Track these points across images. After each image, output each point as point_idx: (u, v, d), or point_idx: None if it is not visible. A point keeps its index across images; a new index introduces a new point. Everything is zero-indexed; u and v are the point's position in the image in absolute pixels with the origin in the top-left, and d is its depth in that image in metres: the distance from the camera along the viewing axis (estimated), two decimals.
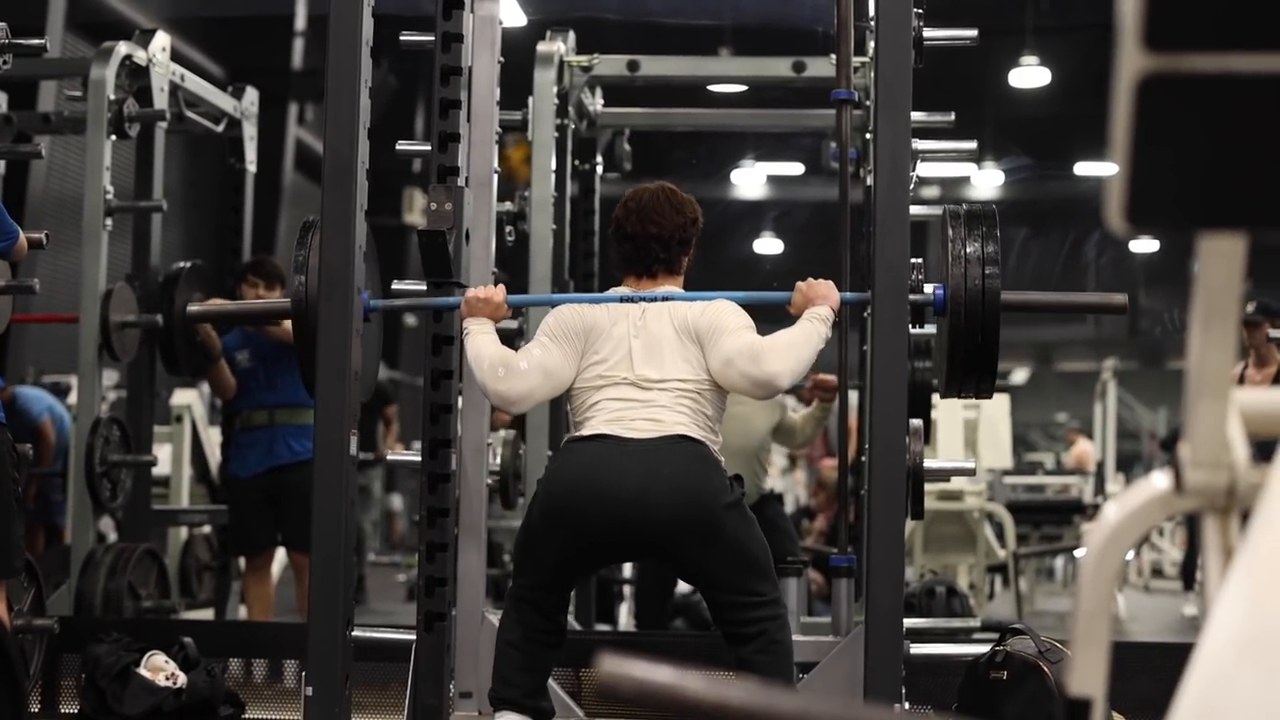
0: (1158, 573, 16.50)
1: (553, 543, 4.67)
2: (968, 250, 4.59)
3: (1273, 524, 1.39)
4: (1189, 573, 13.00)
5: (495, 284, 5.15)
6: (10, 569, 5.37)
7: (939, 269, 4.86)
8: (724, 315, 4.76)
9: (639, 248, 4.92)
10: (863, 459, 6.53)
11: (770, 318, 4.94)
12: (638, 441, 4.62)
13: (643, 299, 4.83)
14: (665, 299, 4.82)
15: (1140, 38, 1.28)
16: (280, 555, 8.48)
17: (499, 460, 6.41)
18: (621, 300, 4.85)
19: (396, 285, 5.79)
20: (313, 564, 4.62)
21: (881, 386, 4.58)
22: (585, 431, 4.72)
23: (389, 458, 6.27)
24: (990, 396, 4.84)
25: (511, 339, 5.93)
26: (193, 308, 5.40)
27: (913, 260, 4.82)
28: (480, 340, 4.82)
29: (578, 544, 4.69)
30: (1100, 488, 16.15)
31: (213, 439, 9.31)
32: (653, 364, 4.72)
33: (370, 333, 4.98)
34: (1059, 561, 16.48)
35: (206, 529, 8.94)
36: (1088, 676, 1.67)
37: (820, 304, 4.75)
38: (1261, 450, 1.68)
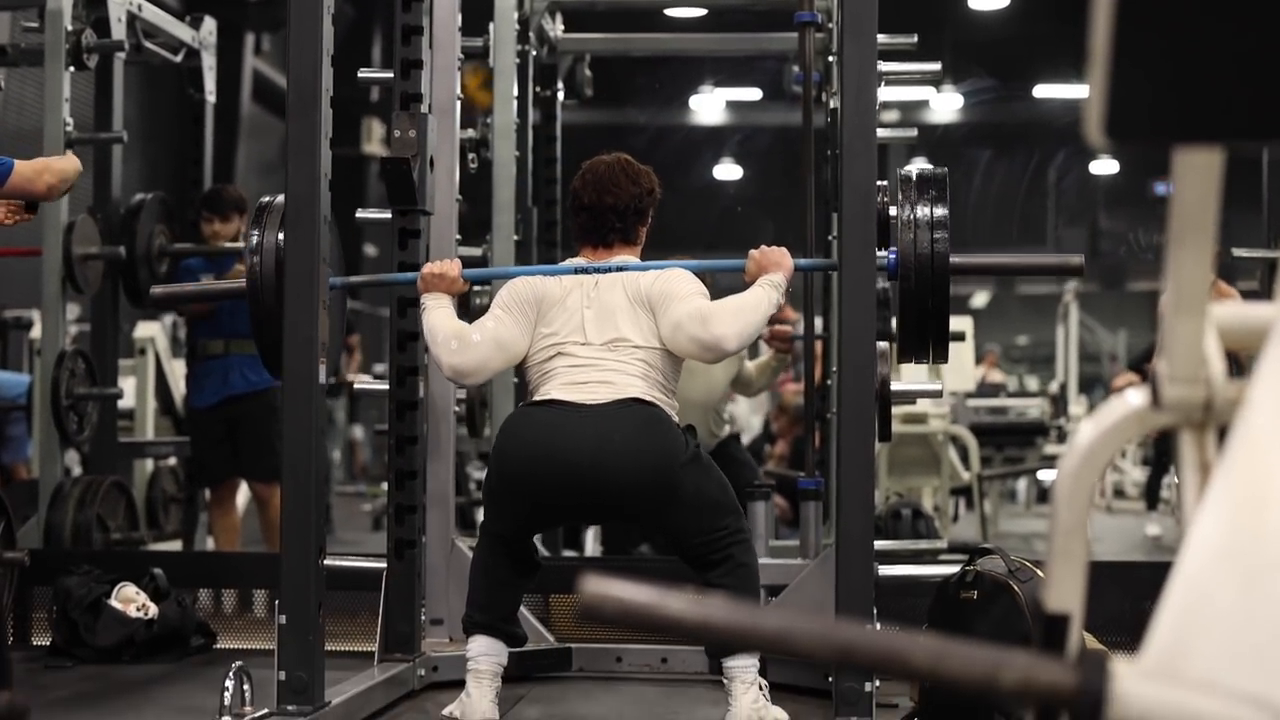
0: (1120, 493, 16.61)
1: (513, 506, 4.72)
2: (918, 214, 4.59)
3: (1251, 438, 1.40)
4: (1153, 493, 13.08)
5: (459, 210, 5.14)
6: None
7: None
8: (675, 282, 4.78)
9: (595, 218, 4.93)
10: (829, 383, 6.56)
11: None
12: (590, 407, 4.64)
13: (597, 270, 4.84)
14: (619, 269, 4.83)
15: None
16: (245, 486, 8.48)
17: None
18: (576, 272, 4.86)
19: (360, 214, 5.77)
20: (284, 493, 4.62)
21: (850, 308, 4.58)
22: (538, 396, 4.75)
23: (356, 386, 6.25)
24: (945, 360, 4.87)
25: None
26: (155, 290, 5.36)
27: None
28: (435, 315, 4.84)
29: (536, 508, 4.74)
30: (1063, 410, 16.22)
31: (176, 371, 9.27)
32: (605, 330, 4.75)
33: (333, 310, 4.95)
34: (1022, 483, 16.58)
35: (172, 461, 8.92)
36: (1065, 592, 1.68)
37: (774, 271, 4.77)
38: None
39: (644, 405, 4.66)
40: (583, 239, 4.99)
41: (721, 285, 6.04)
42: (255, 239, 4.84)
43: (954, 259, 4.59)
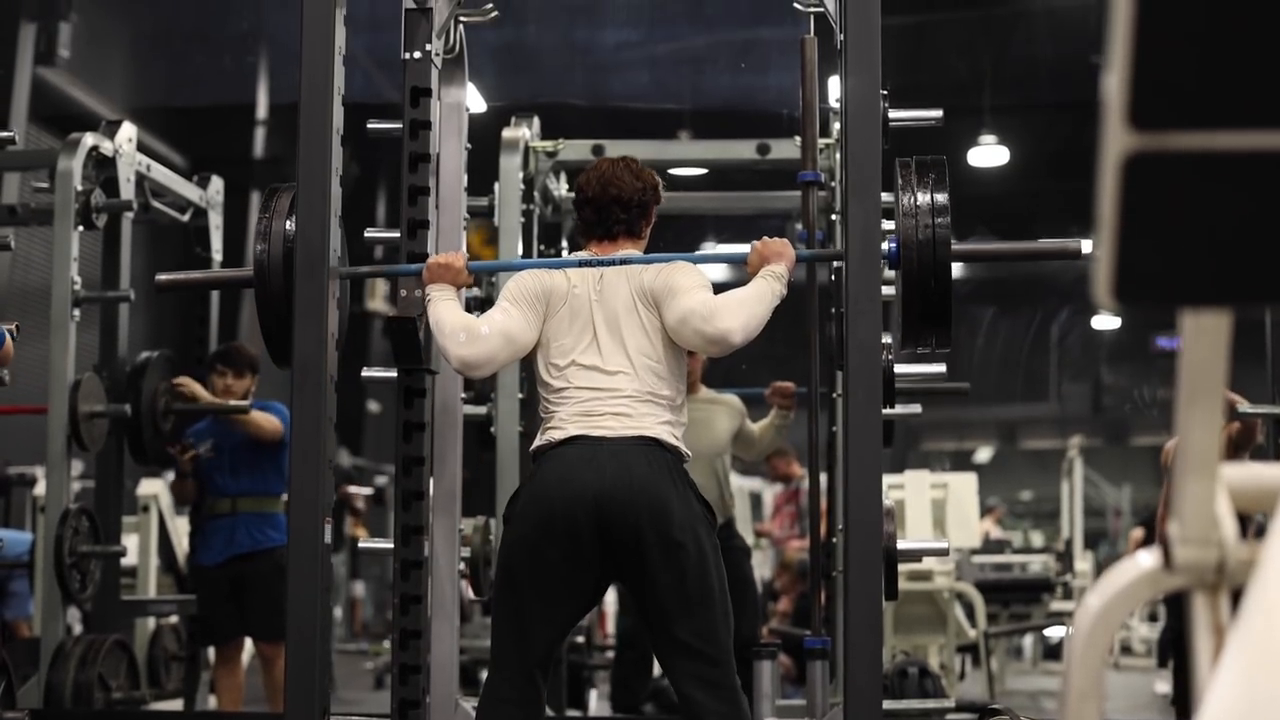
0: (1127, 649, 16.49)
1: (535, 547, 4.59)
2: (918, 200, 4.64)
3: (1265, 601, 1.39)
4: (1163, 649, 12.98)
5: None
6: None
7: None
8: (679, 275, 4.81)
9: (599, 211, 4.98)
10: (834, 540, 6.54)
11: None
12: (609, 441, 4.63)
13: (601, 263, 4.86)
14: (623, 262, 4.86)
15: (1125, 117, 1.29)
16: (249, 644, 8.42)
17: (469, 547, 6.38)
18: (580, 264, 4.89)
19: (366, 373, 5.78)
20: (288, 650, 4.59)
21: (856, 465, 4.58)
22: (557, 434, 4.71)
23: (361, 544, 6.23)
24: (948, 348, 4.89)
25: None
26: (161, 277, 5.36)
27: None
28: (442, 306, 4.85)
29: (560, 542, 4.58)
30: (1069, 565, 16.15)
31: (180, 529, 9.26)
32: (613, 336, 4.75)
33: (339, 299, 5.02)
34: (1028, 640, 16.47)
35: (174, 619, 8.88)
36: None
37: (776, 262, 4.81)
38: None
39: (661, 449, 4.66)
40: (588, 233, 5.04)
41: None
42: (263, 224, 4.88)
43: (955, 245, 4.64)
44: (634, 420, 4.67)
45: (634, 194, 4.98)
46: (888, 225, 5.11)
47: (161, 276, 5.38)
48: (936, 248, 4.62)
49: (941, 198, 4.65)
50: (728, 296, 4.75)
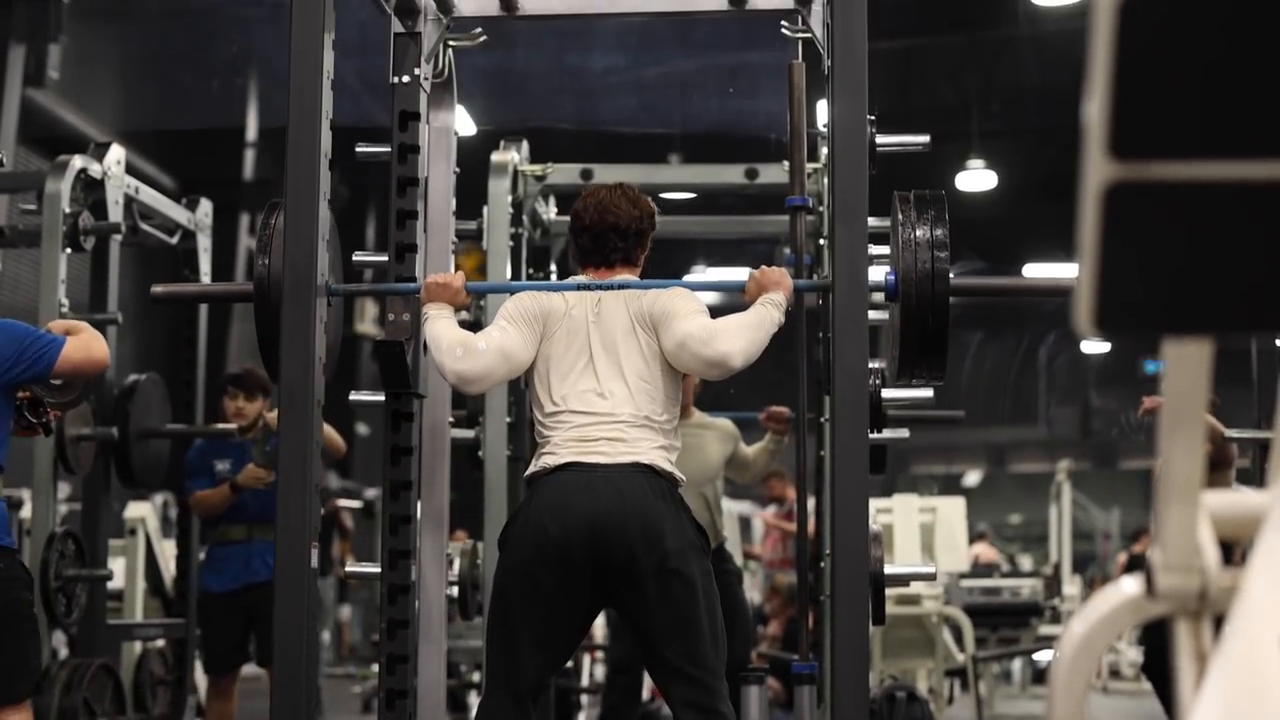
0: (1115, 673, 16.49)
1: (530, 574, 4.59)
2: (917, 234, 4.65)
3: (1247, 629, 1.40)
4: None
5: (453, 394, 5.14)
6: (21, 691, 5.06)
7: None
8: (677, 300, 4.82)
9: (596, 238, 4.98)
10: (821, 564, 6.53)
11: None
12: (604, 467, 4.63)
13: (599, 286, 4.87)
14: (621, 286, 4.87)
15: (1107, 146, 1.29)
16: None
17: (457, 571, 6.37)
18: (579, 287, 4.89)
19: (354, 396, 5.79)
20: (274, 674, 4.58)
21: (843, 490, 4.58)
22: (552, 460, 4.70)
23: (348, 569, 6.21)
24: (942, 380, 4.90)
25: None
26: (157, 289, 5.35)
27: None
28: (439, 324, 4.85)
29: (554, 568, 4.59)
30: (1057, 589, 16.15)
31: (166, 552, 9.23)
32: (610, 359, 4.75)
33: (331, 318, 5.01)
34: (1017, 664, 16.46)
35: (160, 643, 8.85)
36: None
37: (774, 290, 4.82)
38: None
39: (655, 476, 4.66)
40: (584, 260, 5.04)
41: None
42: (264, 238, 4.88)
43: (954, 280, 4.65)
44: (628, 445, 4.68)
45: (631, 222, 4.99)
46: (882, 251, 5.12)
47: (158, 288, 5.38)
48: (935, 281, 4.62)
49: (941, 232, 4.66)
50: (727, 321, 4.76)
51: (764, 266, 4.95)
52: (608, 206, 4.98)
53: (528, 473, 4.83)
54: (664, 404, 4.78)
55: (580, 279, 4.99)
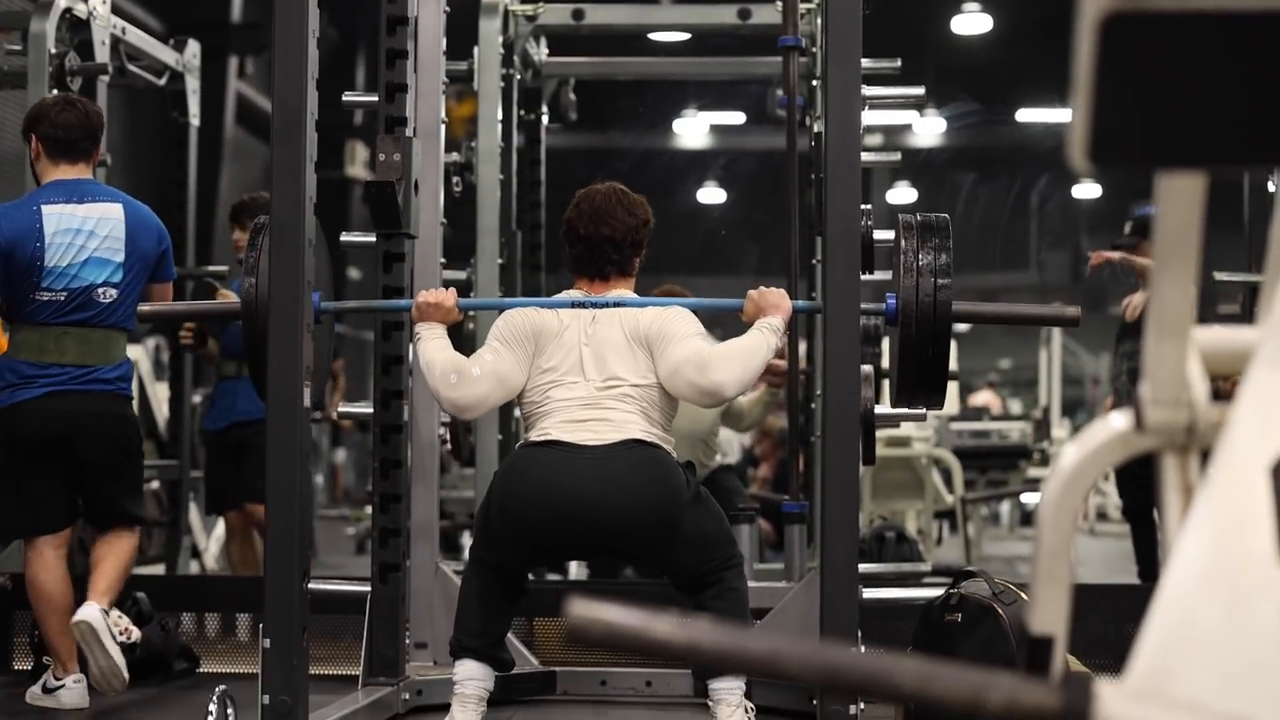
0: (1102, 516, 16.63)
1: (512, 544, 4.72)
2: (920, 261, 4.58)
3: (1233, 462, 1.41)
4: None
5: (444, 233, 5.13)
6: (140, 514, 6.04)
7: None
8: (673, 322, 4.79)
9: (591, 249, 4.92)
10: (812, 406, 6.57)
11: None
12: (591, 448, 4.64)
13: (594, 304, 4.83)
14: (617, 304, 4.83)
15: None
16: None
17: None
18: (573, 305, 4.85)
19: (345, 238, 5.77)
20: (268, 517, 4.60)
21: (834, 333, 4.58)
22: (537, 436, 4.73)
23: (340, 409, 6.24)
24: (941, 408, 4.88)
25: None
26: (143, 308, 5.34)
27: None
28: (432, 346, 4.81)
29: (537, 548, 4.78)
30: (1046, 433, 16.25)
31: (160, 395, 9.25)
32: (602, 369, 4.75)
33: (321, 335, 4.95)
34: (1005, 506, 16.60)
35: (155, 485, 8.89)
36: (1049, 615, 1.68)
37: (772, 313, 4.78)
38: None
39: (645, 446, 4.68)
40: (578, 270, 4.98)
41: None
42: (250, 260, 4.82)
43: (956, 306, 4.59)
44: (617, 427, 4.70)
45: (627, 232, 4.92)
46: (884, 277, 5.04)
47: (144, 307, 5.34)
48: (937, 308, 4.54)
49: (944, 260, 4.57)
50: (723, 347, 4.74)
51: (762, 287, 4.87)
52: (603, 216, 4.90)
53: (517, 446, 4.89)
54: (659, 413, 4.79)
55: (574, 295, 4.93)
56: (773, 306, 4.79)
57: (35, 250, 5.63)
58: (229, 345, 7.68)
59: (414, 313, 4.91)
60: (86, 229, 5.70)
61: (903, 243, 4.60)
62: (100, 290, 5.70)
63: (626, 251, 4.94)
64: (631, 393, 4.72)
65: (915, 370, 4.61)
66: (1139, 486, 7.57)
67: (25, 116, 6.00)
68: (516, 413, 6.24)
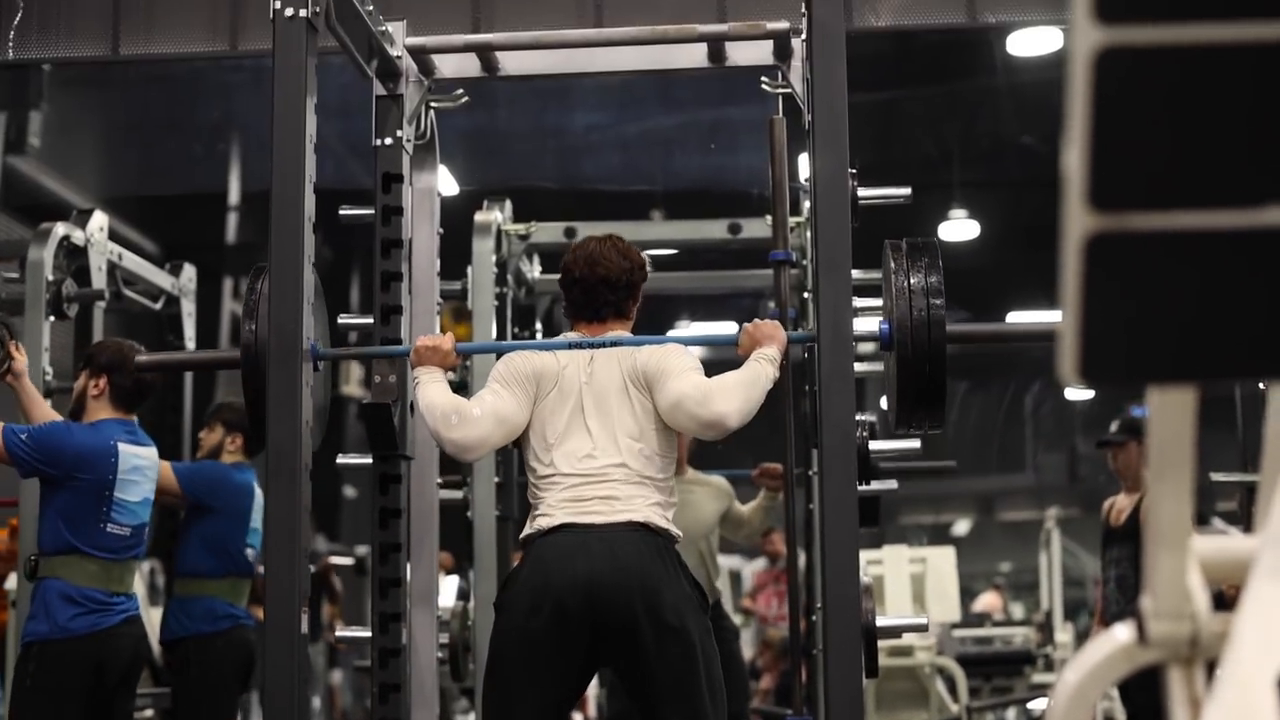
0: None
1: (528, 640, 4.52)
2: (911, 282, 4.62)
3: (1239, 675, 1.40)
4: None
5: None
6: None
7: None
8: (671, 358, 4.77)
9: (587, 291, 4.94)
10: (813, 618, 6.52)
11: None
12: (598, 528, 4.58)
13: (591, 344, 4.83)
14: (614, 343, 4.83)
15: (1086, 198, 1.30)
16: None
17: (448, 633, 6.36)
18: (570, 346, 4.85)
19: (341, 459, 5.78)
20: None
21: (833, 543, 4.57)
22: (546, 521, 4.65)
23: (338, 634, 6.19)
24: (941, 428, 4.88)
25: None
26: (141, 358, 5.38)
27: None
28: (431, 389, 4.81)
29: (551, 630, 4.52)
30: (1049, 637, 16.11)
31: (154, 620, 9.18)
32: (602, 419, 4.71)
33: (318, 381, 4.99)
34: (1011, 713, 16.40)
35: (149, 714, 8.78)
36: None
37: (767, 345, 4.79)
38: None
39: (650, 533, 4.61)
40: (575, 314, 4.99)
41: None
42: (250, 304, 4.85)
43: (950, 327, 4.64)
44: (623, 504, 4.63)
45: (622, 274, 4.95)
46: (872, 304, 5.11)
47: (142, 357, 5.39)
48: (931, 328, 4.61)
49: (935, 279, 4.65)
50: (722, 379, 4.72)
51: (756, 320, 4.92)
52: (597, 259, 4.94)
53: (523, 535, 4.80)
54: (659, 463, 4.74)
55: (571, 336, 4.95)
56: (767, 338, 4.81)
57: (108, 480, 6.05)
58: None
59: (413, 356, 4.93)
60: (145, 471, 6.23)
61: (892, 265, 4.64)
62: (145, 529, 6.29)
63: (622, 293, 4.95)
64: (631, 450, 4.67)
65: (914, 392, 4.63)
66: (1146, 696, 7.49)
67: (100, 354, 6.23)
68: None
